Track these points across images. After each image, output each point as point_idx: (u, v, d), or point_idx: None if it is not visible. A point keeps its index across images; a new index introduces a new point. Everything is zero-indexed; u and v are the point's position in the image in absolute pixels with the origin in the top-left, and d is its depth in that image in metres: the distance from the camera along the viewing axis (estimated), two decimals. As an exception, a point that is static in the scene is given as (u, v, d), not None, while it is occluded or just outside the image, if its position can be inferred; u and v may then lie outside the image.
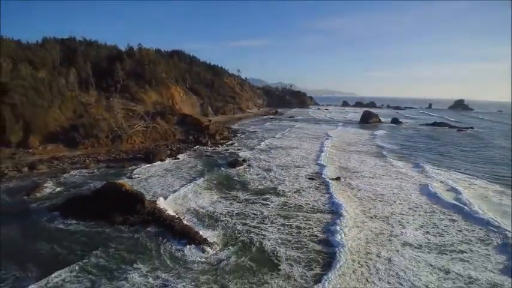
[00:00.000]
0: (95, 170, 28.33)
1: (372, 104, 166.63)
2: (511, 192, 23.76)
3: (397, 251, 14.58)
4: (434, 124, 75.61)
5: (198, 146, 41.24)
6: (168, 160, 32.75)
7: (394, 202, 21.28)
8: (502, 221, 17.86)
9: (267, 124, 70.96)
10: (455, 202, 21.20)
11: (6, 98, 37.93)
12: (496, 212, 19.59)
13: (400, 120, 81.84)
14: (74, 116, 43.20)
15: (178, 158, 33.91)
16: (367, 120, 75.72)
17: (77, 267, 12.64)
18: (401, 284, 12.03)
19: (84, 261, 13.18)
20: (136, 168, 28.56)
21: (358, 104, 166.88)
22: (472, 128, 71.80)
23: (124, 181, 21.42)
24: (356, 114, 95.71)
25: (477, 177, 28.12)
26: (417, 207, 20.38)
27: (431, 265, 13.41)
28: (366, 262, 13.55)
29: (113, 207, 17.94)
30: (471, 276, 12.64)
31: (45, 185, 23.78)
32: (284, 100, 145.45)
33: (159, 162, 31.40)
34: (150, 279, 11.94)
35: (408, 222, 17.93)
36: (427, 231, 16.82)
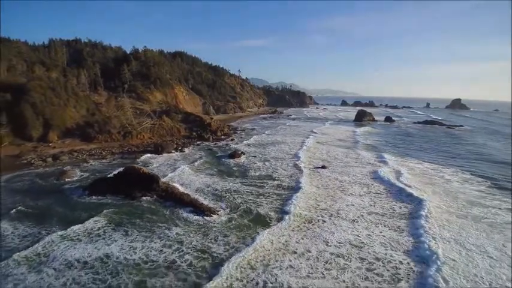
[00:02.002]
0: (112, 160, 32.21)
1: (370, 104, 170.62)
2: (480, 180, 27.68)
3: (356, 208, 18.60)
4: (426, 122, 79.19)
5: (201, 141, 45.01)
6: (175, 153, 36.60)
7: (366, 185, 25.27)
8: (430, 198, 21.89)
9: (265, 122, 74.89)
10: (402, 186, 24.81)
11: (27, 97, 41.84)
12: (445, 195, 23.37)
13: (394, 118, 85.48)
14: (87, 114, 47.13)
15: (184, 151, 37.75)
16: (361, 119, 79.35)
17: (112, 224, 16.53)
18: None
19: (116, 219, 17.09)
20: (148, 159, 32.43)
21: (357, 104, 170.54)
22: (461, 126, 75.15)
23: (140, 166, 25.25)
24: (352, 113, 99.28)
25: (447, 168, 31.80)
26: (378, 194, 23.88)
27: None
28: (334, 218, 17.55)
29: (133, 186, 21.77)
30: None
31: (70, 171, 27.60)
32: (284, 100, 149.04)
33: (167, 154, 35.25)
34: (171, 231, 15.87)
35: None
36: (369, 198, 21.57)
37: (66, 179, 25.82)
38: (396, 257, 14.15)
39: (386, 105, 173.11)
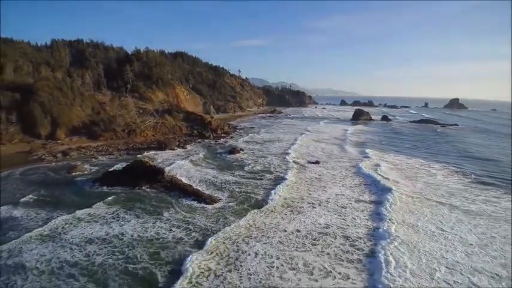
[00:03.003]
0: (118, 156, 34.15)
1: (369, 103, 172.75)
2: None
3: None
4: (421, 121, 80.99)
5: (202, 139, 46.90)
6: (177, 149, 38.57)
7: (355, 178, 27.26)
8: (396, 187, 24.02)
9: (264, 121, 76.98)
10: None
11: (35, 96, 43.77)
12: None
13: (390, 118, 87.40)
14: (92, 113, 49.02)
15: (186, 148, 39.70)
16: (358, 118, 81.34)
17: (123, 209, 18.47)
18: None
19: (127, 205, 19.03)
20: (152, 155, 34.37)
21: (356, 103, 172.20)
22: (456, 125, 76.74)
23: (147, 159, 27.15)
24: (349, 112, 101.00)
25: (435, 163, 33.74)
26: (365, 185, 25.92)
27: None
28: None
29: (140, 178, 23.67)
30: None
31: (80, 165, 29.46)
32: (283, 99, 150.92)
33: (170, 151, 37.22)
34: (177, 215, 17.84)
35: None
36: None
37: (77, 172, 27.70)
38: (377, 236, 16.04)
39: (385, 105, 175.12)
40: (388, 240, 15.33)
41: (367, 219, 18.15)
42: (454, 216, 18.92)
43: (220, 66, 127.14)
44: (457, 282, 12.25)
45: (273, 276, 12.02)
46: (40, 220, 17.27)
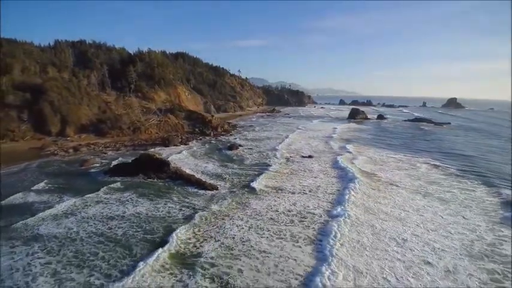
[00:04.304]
0: (126, 152, 36.70)
1: (368, 103, 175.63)
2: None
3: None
4: (415, 120, 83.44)
5: (203, 137, 49.49)
6: (180, 145, 41.19)
7: (344, 170, 29.76)
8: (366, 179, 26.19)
9: (262, 120, 79.71)
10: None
11: (45, 96, 46.33)
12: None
13: (386, 116, 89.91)
14: (99, 112, 51.62)
15: (188, 144, 42.31)
16: (354, 117, 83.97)
17: (136, 194, 21.09)
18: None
19: (139, 191, 21.64)
20: (157, 150, 36.88)
21: (355, 103, 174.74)
22: (449, 123, 79.05)
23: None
24: (346, 112, 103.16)
25: (421, 158, 36.36)
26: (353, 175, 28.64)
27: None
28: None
29: (148, 170, 26.23)
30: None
31: (92, 159, 31.99)
32: (283, 99, 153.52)
33: (174, 147, 39.85)
34: (183, 199, 20.48)
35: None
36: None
37: (89, 165, 30.26)
38: (359, 217, 18.55)
39: (383, 105, 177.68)
40: (350, 220, 17.56)
41: (336, 204, 20.58)
42: (426, 202, 21.39)
43: (221, 66, 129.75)
44: (412, 248, 14.81)
45: (262, 243, 14.65)
46: (62, 202, 19.76)
